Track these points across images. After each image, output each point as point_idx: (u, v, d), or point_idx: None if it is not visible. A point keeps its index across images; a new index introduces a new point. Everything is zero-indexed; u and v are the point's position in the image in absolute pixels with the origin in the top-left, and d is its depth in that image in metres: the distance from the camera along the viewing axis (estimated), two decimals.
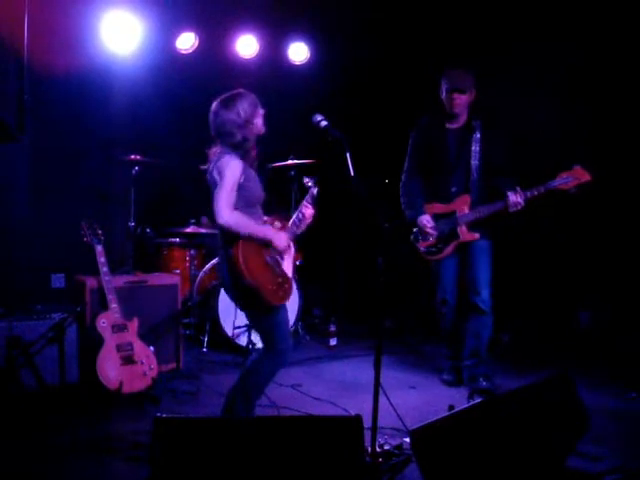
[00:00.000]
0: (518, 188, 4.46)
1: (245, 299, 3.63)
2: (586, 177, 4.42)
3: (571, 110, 5.81)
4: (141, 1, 6.14)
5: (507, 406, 3.05)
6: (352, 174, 3.40)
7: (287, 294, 3.66)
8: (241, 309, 3.89)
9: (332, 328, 6.07)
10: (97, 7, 5.99)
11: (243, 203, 3.57)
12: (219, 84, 6.54)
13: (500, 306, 4.79)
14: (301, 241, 4.06)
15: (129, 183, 5.70)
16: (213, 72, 6.74)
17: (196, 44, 6.66)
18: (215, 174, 3.56)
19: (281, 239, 3.62)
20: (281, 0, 6.64)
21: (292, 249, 3.78)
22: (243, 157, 3.62)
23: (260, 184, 3.73)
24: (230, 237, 3.50)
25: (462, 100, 4.61)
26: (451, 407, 4.14)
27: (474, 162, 4.64)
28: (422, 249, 4.81)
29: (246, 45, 6.99)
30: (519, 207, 4.46)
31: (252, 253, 3.51)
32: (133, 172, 5.65)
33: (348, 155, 3.36)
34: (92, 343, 4.39)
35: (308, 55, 7.31)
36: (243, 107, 3.59)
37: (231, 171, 3.52)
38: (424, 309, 6.34)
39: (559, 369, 3.46)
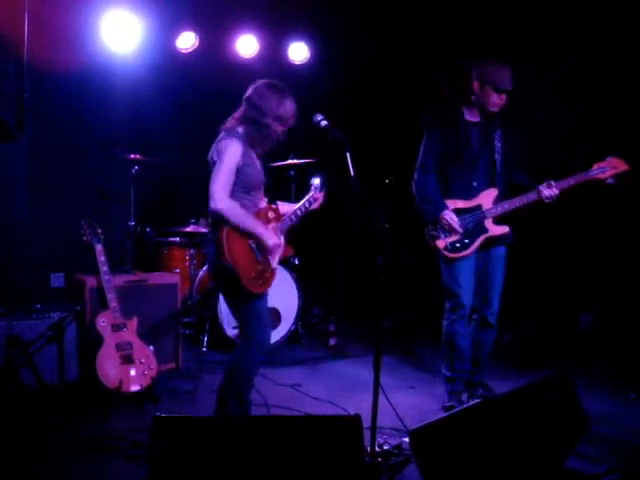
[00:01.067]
0: (551, 181, 4.30)
1: (223, 282, 3.68)
2: (623, 167, 4.27)
3: (571, 108, 5.81)
4: (141, 0, 6.14)
5: (506, 406, 3.05)
6: (352, 174, 3.40)
7: (267, 283, 3.69)
8: (222, 294, 3.92)
9: (331, 328, 6.07)
10: (97, 6, 5.99)
11: (241, 187, 3.61)
12: (219, 84, 6.61)
13: (501, 306, 4.74)
14: (300, 240, 4.06)
15: (129, 182, 5.69)
16: (213, 72, 6.75)
17: (196, 43, 6.67)
18: (215, 155, 3.59)
19: (270, 238, 3.64)
20: (281, 0, 6.64)
21: (282, 241, 3.79)
22: (251, 142, 3.64)
23: (261, 169, 3.76)
24: (217, 223, 3.57)
25: (504, 100, 4.36)
26: (451, 407, 4.15)
27: (498, 157, 4.44)
28: (445, 246, 4.40)
29: (246, 45, 7.00)
30: (554, 198, 4.29)
31: (237, 235, 3.55)
32: (133, 171, 5.65)
33: (348, 155, 3.36)
34: (91, 342, 4.39)
35: (308, 55, 7.31)
36: (288, 107, 3.62)
37: (230, 155, 3.54)
38: (424, 309, 6.35)
39: (559, 369, 3.46)
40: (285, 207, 3.96)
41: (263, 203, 3.82)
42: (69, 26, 5.82)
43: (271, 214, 3.80)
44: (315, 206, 3.94)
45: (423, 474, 2.73)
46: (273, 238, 3.66)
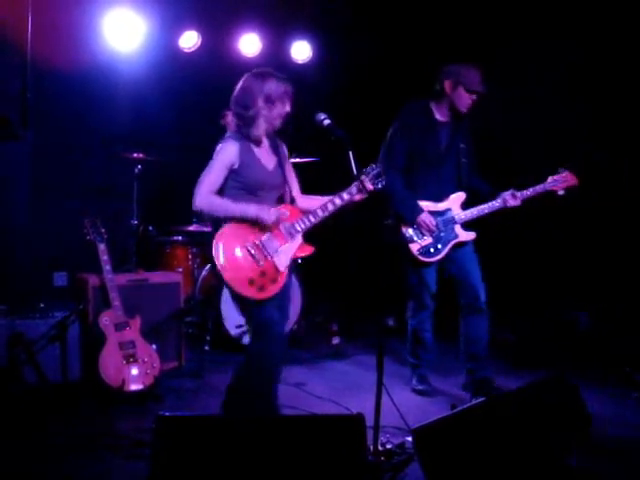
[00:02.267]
0: (513, 191, 4.43)
1: (226, 286, 3.53)
2: (574, 181, 4.47)
3: (571, 108, 5.81)
4: None
5: (509, 406, 3.06)
6: (354, 173, 3.40)
7: (269, 288, 3.47)
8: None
9: (334, 327, 6.07)
10: (100, 5, 6.00)
11: (241, 189, 3.53)
12: (222, 83, 6.55)
13: (501, 306, 4.73)
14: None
15: (132, 181, 5.70)
16: (216, 71, 6.75)
17: (199, 42, 6.67)
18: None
19: (268, 213, 3.44)
20: None
21: (298, 241, 3.60)
22: (247, 136, 3.54)
23: (274, 169, 3.62)
24: (216, 224, 3.50)
25: (474, 101, 4.42)
26: (453, 406, 4.14)
27: (464, 160, 4.52)
28: (418, 250, 4.45)
29: (249, 44, 7.00)
30: (515, 207, 4.46)
31: (230, 238, 3.44)
32: (135, 170, 5.66)
33: (350, 154, 3.35)
34: (94, 341, 4.40)
35: (311, 54, 7.31)
36: (272, 86, 3.49)
37: (221, 156, 3.49)
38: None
39: (560, 370, 3.46)
40: (314, 202, 3.71)
41: (287, 200, 3.71)
42: (72, 25, 5.84)
43: (286, 214, 3.57)
44: (357, 198, 3.60)
45: (426, 473, 2.73)
46: (271, 213, 3.44)
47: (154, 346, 4.57)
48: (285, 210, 3.59)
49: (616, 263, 6.02)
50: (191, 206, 3.53)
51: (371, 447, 3.23)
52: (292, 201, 3.74)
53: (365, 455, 2.73)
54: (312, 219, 3.60)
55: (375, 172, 3.62)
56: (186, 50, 6.67)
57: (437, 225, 4.44)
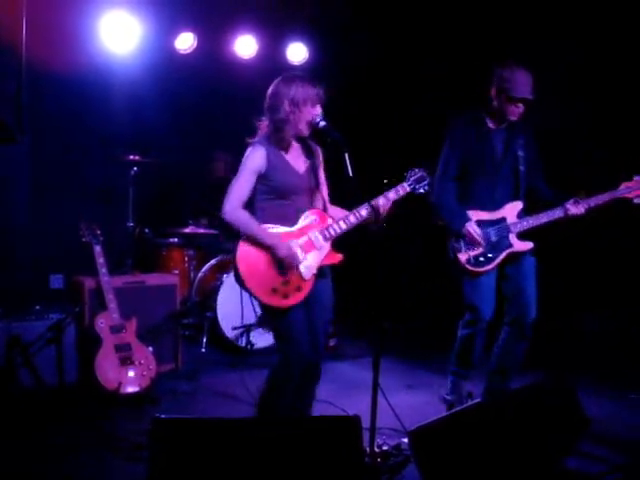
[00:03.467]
0: (578, 199, 4.13)
1: (249, 294, 3.44)
2: None
3: (571, 108, 5.81)
4: (140, 1, 6.14)
5: (505, 407, 3.05)
6: (350, 174, 3.37)
7: (294, 296, 3.36)
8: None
9: (331, 329, 6.06)
10: (96, 7, 5.99)
11: (272, 193, 3.42)
12: (218, 84, 6.62)
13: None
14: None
15: (128, 183, 5.69)
16: (212, 72, 6.75)
17: (195, 44, 6.66)
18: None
19: (281, 249, 3.33)
20: (280, 0, 6.65)
21: (325, 248, 3.49)
22: (277, 142, 3.46)
23: (305, 172, 3.51)
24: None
25: (522, 109, 4.18)
26: (450, 406, 4.14)
27: (522, 168, 4.25)
28: (467, 259, 4.18)
29: (245, 45, 6.99)
30: (578, 216, 4.16)
31: (253, 244, 3.34)
32: (132, 172, 5.65)
33: (346, 156, 3.33)
34: (91, 344, 4.39)
35: (306, 55, 7.30)
36: (297, 89, 3.38)
37: (248, 163, 3.40)
38: (426, 310, 6.35)
39: (559, 371, 3.46)
40: (337, 213, 3.62)
41: (319, 205, 3.58)
42: (68, 27, 5.82)
43: (315, 220, 3.49)
44: (393, 198, 3.52)
45: (422, 474, 2.72)
46: (284, 250, 3.34)
47: (150, 348, 4.57)
48: (316, 217, 3.51)
49: (620, 263, 6.01)
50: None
51: (367, 449, 3.22)
52: (324, 206, 3.62)
53: (362, 457, 2.72)
54: (343, 226, 3.49)
55: (417, 176, 3.58)
56: (182, 52, 6.66)
57: (487, 234, 4.18)
